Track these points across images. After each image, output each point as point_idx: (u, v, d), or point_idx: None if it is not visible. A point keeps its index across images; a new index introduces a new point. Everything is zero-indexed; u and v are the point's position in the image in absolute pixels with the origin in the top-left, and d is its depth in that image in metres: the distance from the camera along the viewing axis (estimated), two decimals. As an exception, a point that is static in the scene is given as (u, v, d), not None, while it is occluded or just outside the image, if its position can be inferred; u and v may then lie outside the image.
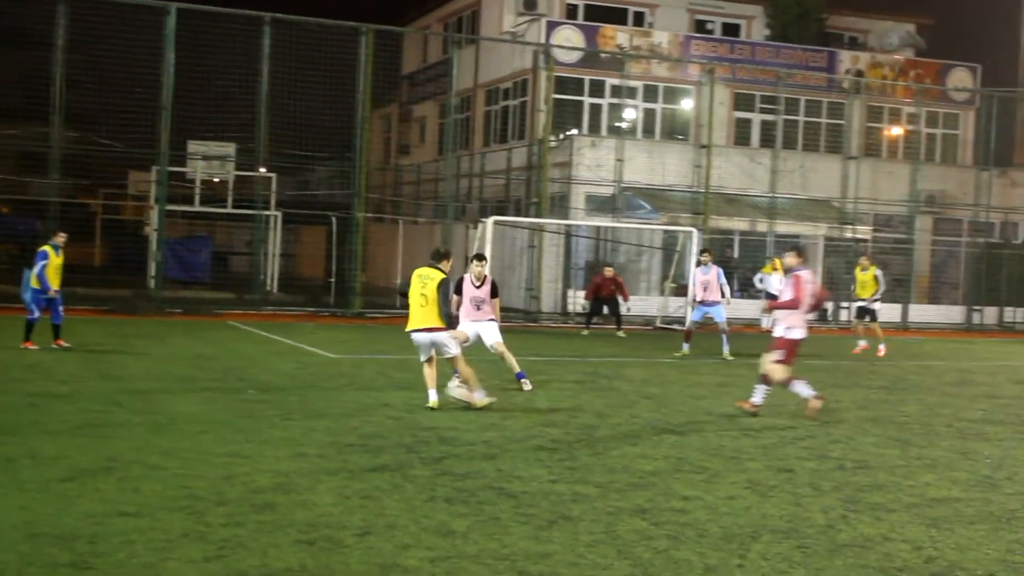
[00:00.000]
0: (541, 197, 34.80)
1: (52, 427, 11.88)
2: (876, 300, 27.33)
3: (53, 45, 29.93)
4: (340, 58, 32.93)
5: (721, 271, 24.59)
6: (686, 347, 24.30)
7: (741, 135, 42.13)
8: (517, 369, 16.84)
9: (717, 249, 35.86)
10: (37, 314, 19.84)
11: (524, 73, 40.67)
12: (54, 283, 19.87)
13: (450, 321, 14.69)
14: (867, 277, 27.26)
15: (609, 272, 30.07)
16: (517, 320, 30.75)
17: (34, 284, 19.80)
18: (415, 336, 14.48)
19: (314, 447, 11.31)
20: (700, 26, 45.00)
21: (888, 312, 37.91)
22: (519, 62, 40.41)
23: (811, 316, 15.62)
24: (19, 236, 39.55)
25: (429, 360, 14.53)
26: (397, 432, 12.44)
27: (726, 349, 23.75)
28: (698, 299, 24.32)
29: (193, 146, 36.13)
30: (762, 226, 37.02)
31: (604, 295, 29.73)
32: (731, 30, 45.55)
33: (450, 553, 7.77)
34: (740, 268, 38.11)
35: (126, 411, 13.17)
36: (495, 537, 8.21)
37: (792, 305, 14.90)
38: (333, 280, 34.62)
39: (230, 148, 36.52)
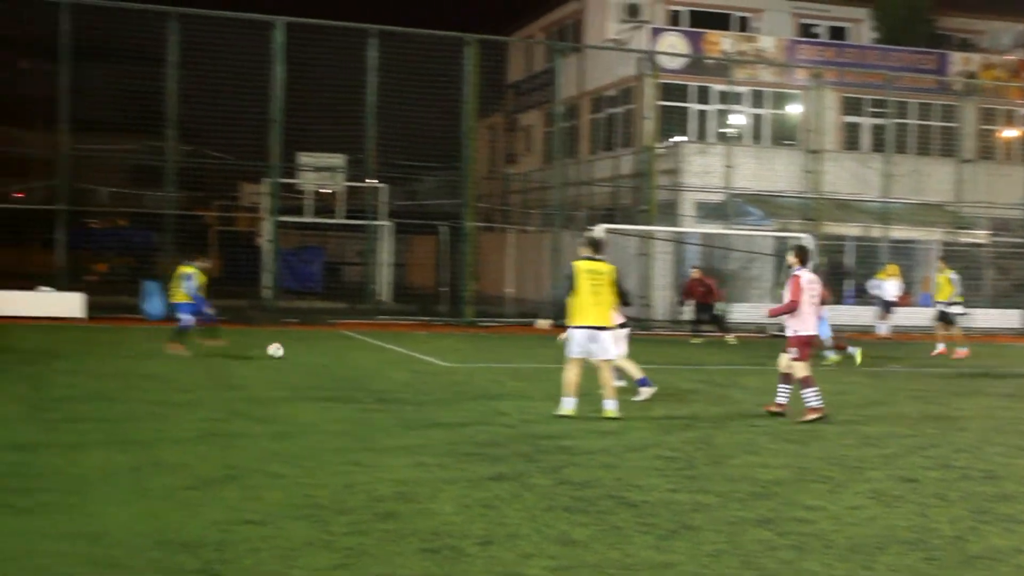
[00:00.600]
0: (649, 204, 34.67)
1: (175, 435, 12.06)
2: (954, 304, 26.86)
3: (165, 61, 30.54)
4: (445, 69, 33.15)
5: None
6: (833, 355, 23.81)
7: (851, 139, 41.58)
8: (638, 376, 16.63)
9: (828, 255, 35.43)
10: (190, 320, 21.48)
11: (629, 80, 40.54)
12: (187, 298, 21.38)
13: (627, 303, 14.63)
14: (942, 279, 26.88)
15: (696, 273, 29.73)
16: (629, 327, 30.59)
17: (187, 299, 21.35)
18: (580, 332, 14.27)
19: (433, 456, 11.34)
20: (806, 30, 44.52)
21: (1008, 318, 37.18)
22: (623, 69, 40.29)
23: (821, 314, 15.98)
24: (136, 248, 40.39)
25: (579, 361, 14.33)
26: (514, 441, 12.43)
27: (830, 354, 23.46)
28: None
29: (303, 158, 36.62)
30: (875, 231, 36.47)
31: (697, 299, 29.38)
32: (838, 33, 45.01)
33: (572, 563, 7.71)
34: (853, 274, 37.54)
35: (246, 420, 13.33)
36: (616, 547, 8.14)
37: (790, 308, 15.06)
38: (444, 289, 34.80)
39: (340, 159, 36.94)
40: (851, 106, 41.74)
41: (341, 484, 9.84)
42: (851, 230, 36.92)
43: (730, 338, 29.14)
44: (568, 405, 14.28)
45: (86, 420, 12.90)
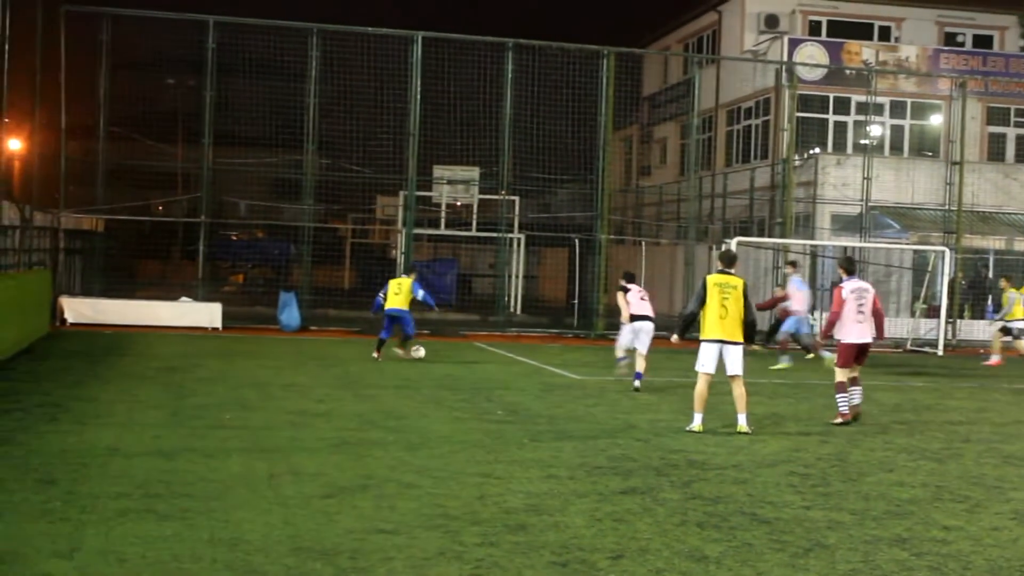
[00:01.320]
0: (786, 217, 34.27)
1: (310, 445, 12.27)
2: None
3: (306, 76, 31.10)
4: (581, 81, 33.17)
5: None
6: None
7: (995, 150, 40.64)
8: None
9: (971, 268, 34.64)
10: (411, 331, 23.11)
11: (766, 92, 40.18)
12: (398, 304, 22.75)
13: (753, 328, 14.60)
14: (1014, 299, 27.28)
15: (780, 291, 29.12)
16: (760, 340, 30.18)
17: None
18: (708, 346, 14.28)
19: (564, 468, 11.36)
20: (950, 38, 43.65)
21: None
22: (761, 81, 39.94)
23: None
24: (273, 260, 41.17)
25: (709, 375, 14.31)
26: (645, 454, 12.39)
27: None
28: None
29: (439, 171, 36.98)
30: (1020, 244, 35.54)
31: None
32: (983, 42, 44.04)
33: (704, 579, 7.68)
34: (995, 288, 36.61)
35: (380, 430, 13.49)
36: (749, 564, 8.07)
37: (832, 320, 15.97)
38: (575, 302, 34.80)
39: (474, 172, 37.24)
40: (996, 116, 40.81)
41: (473, 495, 9.91)
42: (993, 243, 36.03)
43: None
44: (697, 421, 14.23)
45: (226, 428, 13.18)
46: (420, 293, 22.91)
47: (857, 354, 15.89)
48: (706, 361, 14.27)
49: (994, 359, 27.69)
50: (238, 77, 33.84)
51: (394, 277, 24.10)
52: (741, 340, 14.30)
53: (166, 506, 9.00)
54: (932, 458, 13.01)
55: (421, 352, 22.88)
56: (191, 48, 31.40)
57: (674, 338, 15.26)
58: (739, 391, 14.29)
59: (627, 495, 10.21)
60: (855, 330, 15.77)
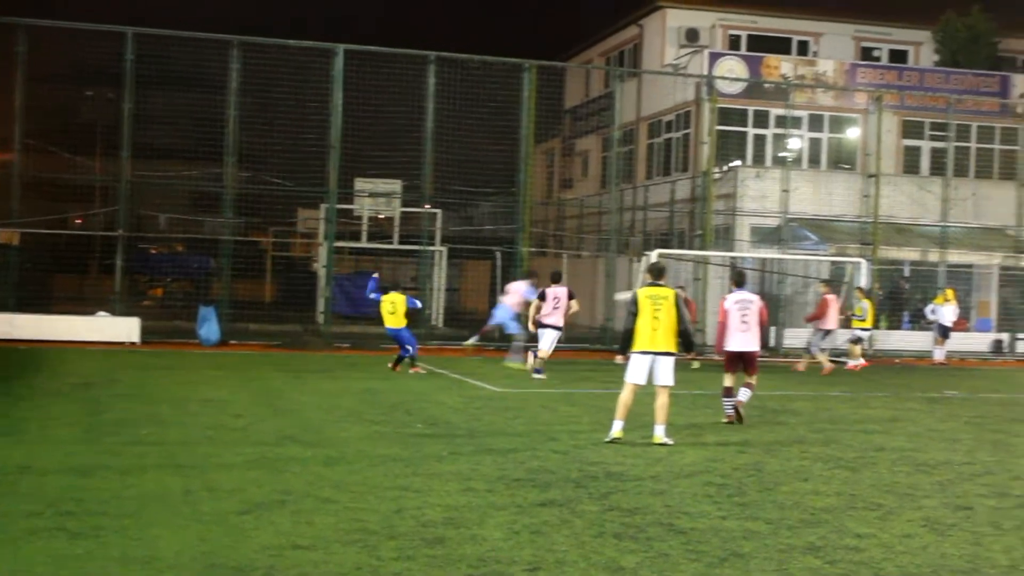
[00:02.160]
0: (705, 229, 34.55)
1: (228, 460, 12.16)
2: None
3: (226, 88, 30.87)
4: (503, 94, 33.25)
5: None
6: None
7: (910, 163, 41.28)
8: None
9: (891, 278, 35.15)
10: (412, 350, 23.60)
11: (687, 105, 40.53)
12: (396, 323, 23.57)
13: (689, 338, 14.71)
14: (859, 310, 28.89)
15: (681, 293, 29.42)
16: (683, 353, 30.36)
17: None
18: (639, 357, 14.38)
19: (482, 481, 11.37)
20: (866, 53, 44.33)
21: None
22: (682, 94, 40.28)
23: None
24: (193, 274, 40.78)
25: (635, 386, 14.42)
26: (564, 466, 12.43)
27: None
28: None
29: (360, 184, 36.86)
30: (934, 256, 36.14)
31: None
32: (899, 56, 44.78)
33: (620, 590, 7.72)
34: (911, 299, 37.23)
35: (298, 445, 13.40)
36: (665, 574, 8.13)
37: (720, 330, 17.26)
38: (497, 314, 34.75)
39: (396, 185, 37.17)
40: (911, 129, 41.48)
41: (390, 509, 9.88)
42: (908, 254, 36.60)
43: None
44: (616, 427, 14.29)
45: (141, 444, 13.03)
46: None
47: (741, 361, 16.90)
48: (636, 372, 14.39)
49: (851, 363, 29.03)
50: (157, 89, 33.53)
51: (387, 293, 24.28)
52: (673, 351, 14.40)
53: (78, 524, 8.88)
54: (846, 467, 13.18)
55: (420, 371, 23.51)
56: (110, 60, 31.03)
57: (619, 358, 15.27)
58: (662, 401, 14.40)
59: (545, 507, 10.24)
60: (736, 339, 16.84)
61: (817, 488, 11.73)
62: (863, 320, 29.32)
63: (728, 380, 16.82)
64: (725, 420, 16.72)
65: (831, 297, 28.33)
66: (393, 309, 23.39)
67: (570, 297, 23.72)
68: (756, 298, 17.14)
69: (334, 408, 17.29)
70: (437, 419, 16.29)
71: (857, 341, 29.40)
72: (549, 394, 20.02)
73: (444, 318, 38.79)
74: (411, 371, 23.42)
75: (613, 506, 10.39)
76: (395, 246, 37.99)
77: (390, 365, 23.76)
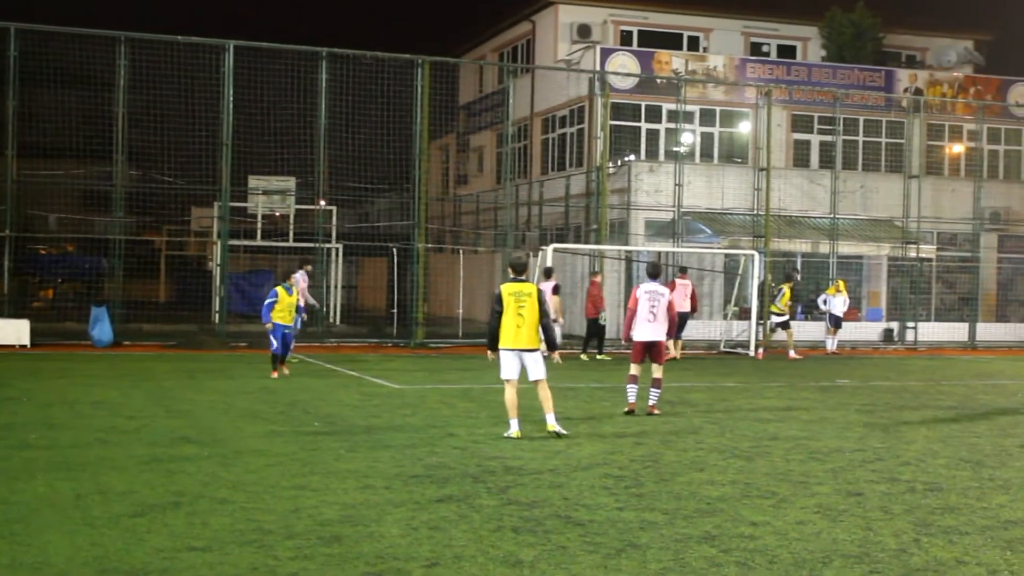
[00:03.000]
0: (601, 223, 34.77)
1: (120, 463, 11.97)
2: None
3: (115, 85, 30.35)
4: (397, 90, 33.11)
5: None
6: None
7: (800, 156, 41.92)
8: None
9: (783, 269, 35.69)
10: (276, 345, 22.07)
11: (580, 100, 40.74)
12: (287, 319, 22.28)
13: (550, 334, 14.59)
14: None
15: (597, 279, 29.86)
16: (579, 347, 30.60)
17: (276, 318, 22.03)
18: (507, 355, 14.35)
19: (380, 478, 11.32)
20: (755, 49, 44.92)
21: (955, 331, 37.64)
22: (575, 90, 40.49)
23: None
24: (84, 274, 40.04)
25: (514, 382, 14.37)
26: (462, 462, 12.43)
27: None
28: None
29: (254, 181, 36.52)
30: (824, 247, 36.75)
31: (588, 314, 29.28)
32: (787, 52, 45.44)
33: (518, 583, 7.74)
34: (803, 290, 37.83)
35: (193, 445, 13.24)
36: (563, 567, 8.17)
37: (629, 318, 17.36)
38: (395, 311, 34.73)
39: (290, 182, 36.89)
40: (800, 123, 42.09)
41: (287, 508, 9.81)
42: (800, 246, 37.18)
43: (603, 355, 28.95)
44: (514, 427, 14.30)
45: (32, 448, 12.78)
46: (266, 302, 22.42)
47: (647, 351, 17.07)
48: (507, 370, 14.40)
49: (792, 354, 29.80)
50: (43, 86, 32.83)
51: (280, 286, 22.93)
52: (537, 346, 14.40)
53: (-35, 531, 8.69)
54: (741, 456, 13.35)
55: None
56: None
57: (490, 355, 15.21)
58: (544, 393, 14.51)
59: (443, 503, 10.23)
60: (644, 329, 17.01)
61: (713, 478, 11.86)
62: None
63: (634, 369, 17.09)
64: (626, 410, 16.93)
65: (681, 283, 29.04)
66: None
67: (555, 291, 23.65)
68: (667, 291, 17.29)
69: (230, 408, 17.11)
70: (334, 417, 16.20)
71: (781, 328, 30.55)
72: (447, 390, 19.99)
73: (341, 316, 38.59)
74: (272, 374, 22.07)
75: (511, 500, 10.41)
76: (290, 243, 37.69)
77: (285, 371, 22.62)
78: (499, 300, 14.39)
